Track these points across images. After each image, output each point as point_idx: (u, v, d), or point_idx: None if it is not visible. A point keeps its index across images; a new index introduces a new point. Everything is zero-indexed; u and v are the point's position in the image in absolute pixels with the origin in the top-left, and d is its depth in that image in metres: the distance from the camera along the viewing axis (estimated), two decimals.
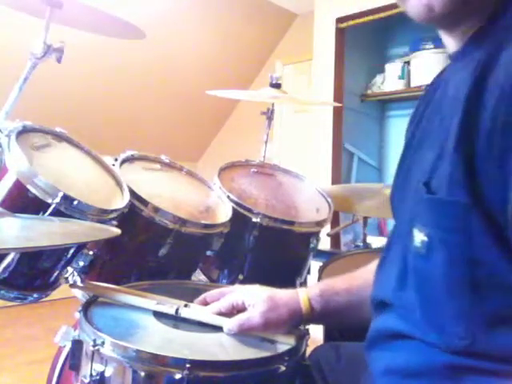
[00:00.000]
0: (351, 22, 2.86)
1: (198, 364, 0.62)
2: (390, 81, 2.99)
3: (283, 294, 0.78)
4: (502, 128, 0.40)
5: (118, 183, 1.03)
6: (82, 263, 1.01)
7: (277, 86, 1.47)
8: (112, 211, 0.92)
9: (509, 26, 0.44)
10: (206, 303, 0.82)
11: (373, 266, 0.80)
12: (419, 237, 0.51)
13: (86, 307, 0.77)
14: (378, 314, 0.63)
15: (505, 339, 0.46)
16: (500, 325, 0.46)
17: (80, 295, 0.97)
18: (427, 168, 0.51)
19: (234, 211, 1.16)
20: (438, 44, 2.68)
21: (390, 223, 3.06)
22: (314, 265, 1.34)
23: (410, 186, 0.59)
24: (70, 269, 0.99)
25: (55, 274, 0.92)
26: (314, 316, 0.77)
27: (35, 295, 0.89)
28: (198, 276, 1.21)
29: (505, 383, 0.43)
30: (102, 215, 0.89)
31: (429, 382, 0.52)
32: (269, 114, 1.59)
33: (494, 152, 0.41)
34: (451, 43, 0.57)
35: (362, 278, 0.79)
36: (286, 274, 1.26)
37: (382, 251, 0.68)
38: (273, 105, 1.60)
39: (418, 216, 0.52)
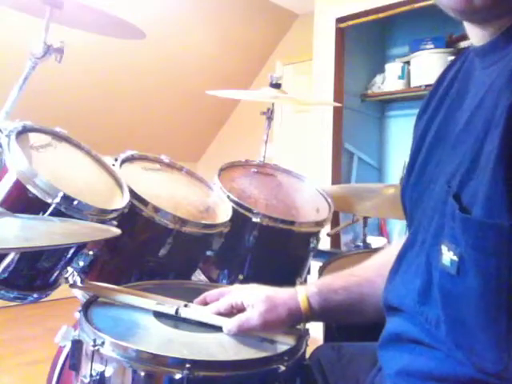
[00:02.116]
0: (351, 22, 2.86)
1: (197, 364, 0.62)
2: (390, 81, 2.99)
3: (282, 294, 0.78)
4: None
5: (118, 183, 1.03)
6: (81, 263, 1.01)
7: (277, 86, 1.47)
8: (112, 211, 0.92)
9: None
10: (205, 303, 0.82)
11: (369, 262, 0.80)
12: (448, 255, 0.48)
13: (86, 307, 0.77)
14: (394, 316, 0.62)
15: None
16: None
17: (80, 295, 0.97)
18: (454, 174, 0.49)
19: (234, 211, 1.16)
20: (438, 44, 2.68)
21: (390, 223, 3.06)
22: (314, 265, 1.34)
23: (429, 188, 0.56)
24: (70, 269, 0.99)
25: (55, 274, 0.92)
26: (313, 314, 0.77)
27: (35, 295, 0.89)
28: (198, 276, 1.20)
29: None
30: (101, 215, 0.89)
31: None
32: (269, 114, 1.58)
33: None
34: (479, 36, 0.54)
35: (359, 275, 0.79)
36: (286, 274, 1.26)
37: (400, 250, 0.65)
38: (273, 105, 1.59)
39: (447, 233, 0.49)
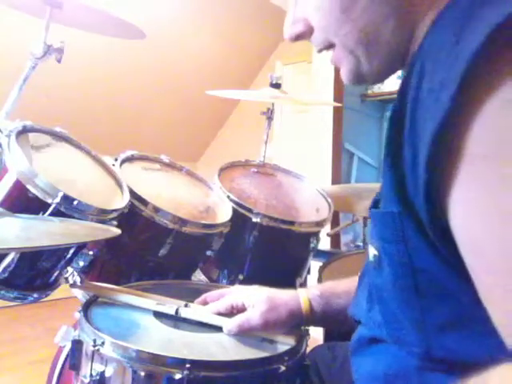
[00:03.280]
0: None
1: (197, 364, 0.62)
2: (390, 81, 2.98)
3: (283, 295, 0.78)
4: (409, 133, 0.43)
5: (118, 183, 1.03)
6: (82, 263, 1.01)
7: (277, 86, 1.47)
8: (112, 211, 0.92)
9: (417, 56, 0.46)
10: (206, 303, 0.82)
11: None
12: (372, 251, 0.53)
13: (86, 307, 0.77)
14: (357, 327, 0.64)
15: (456, 345, 0.47)
16: (448, 331, 0.47)
17: (80, 295, 0.97)
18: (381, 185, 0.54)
19: (234, 211, 1.16)
20: None
21: None
22: (314, 265, 1.34)
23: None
24: (70, 269, 0.99)
25: (55, 274, 0.92)
26: (314, 317, 0.77)
27: (35, 295, 0.89)
28: (198, 276, 1.20)
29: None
30: (101, 215, 0.89)
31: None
32: (269, 114, 1.58)
33: (409, 156, 0.43)
34: None
35: None
36: (286, 274, 1.26)
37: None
38: (273, 105, 1.59)
39: (371, 232, 0.54)
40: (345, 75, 0.55)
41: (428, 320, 0.48)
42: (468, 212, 0.39)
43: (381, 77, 0.55)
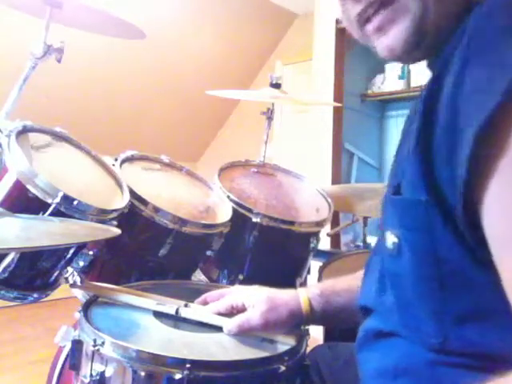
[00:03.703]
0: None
1: (197, 364, 0.62)
2: (390, 81, 2.99)
3: (283, 295, 0.78)
4: (449, 124, 0.42)
5: (118, 183, 1.03)
6: (82, 263, 1.01)
7: (277, 86, 1.47)
8: (112, 211, 0.92)
9: (453, 50, 0.46)
10: (206, 303, 0.82)
11: None
12: (391, 239, 0.52)
13: (86, 307, 0.77)
14: (365, 319, 0.64)
15: (475, 337, 0.47)
16: (469, 323, 0.47)
17: (80, 295, 0.97)
18: (399, 171, 0.53)
19: (234, 211, 1.16)
20: None
21: None
22: (314, 265, 1.34)
23: (388, 191, 0.60)
24: (70, 269, 0.99)
25: (55, 274, 0.92)
26: (314, 316, 0.77)
27: (35, 295, 0.89)
28: (198, 276, 1.20)
29: (482, 377, 0.43)
30: (101, 215, 0.89)
31: (417, 379, 0.53)
32: (269, 114, 1.58)
33: (444, 147, 0.43)
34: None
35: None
36: (286, 274, 1.26)
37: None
38: (273, 105, 1.59)
39: (389, 218, 0.54)
40: (397, 37, 0.52)
41: (447, 311, 0.48)
42: (503, 208, 0.39)
43: (437, 39, 0.51)
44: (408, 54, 0.53)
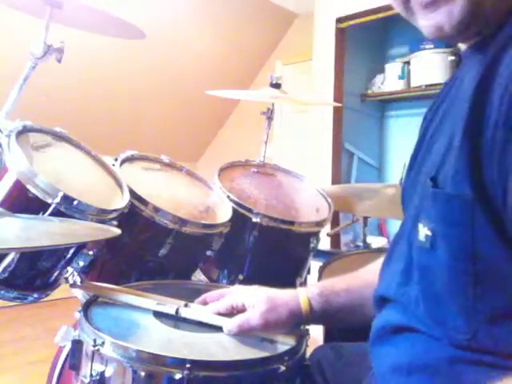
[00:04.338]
0: (351, 22, 2.86)
1: (197, 364, 0.62)
2: (390, 81, 2.99)
3: (283, 295, 0.78)
4: (503, 123, 0.41)
5: (118, 183, 1.03)
6: (82, 263, 1.01)
7: (277, 86, 1.47)
8: (112, 211, 0.92)
9: (510, 34, 0.45)
10: (206, 303, 0.82)
11: (373, 266, 0.80)
12: (423, 231, 0.52)
13: (86, 307, 0.77)
14: (380, 311, 0.63)
15: (505, 335, 0.46)
16: (501, 321, 0.47)
17: (80, 295, 0.97)
18: (437, 162, 0.52)
19: (234, 211, 1.16)
20: (438, 44, 2.68)
21: (390, 223, 3.06)
22: (314, 265, 1.34)
23: (419, 181, 0.59)
24: (70, 269, 0.99)
25: (55, 274, 0.92)
26: (314, 316, 0.77)
27: (35, 295, 0.89)
28: (198, 276, 1.20)
29: (506, 373, 0.43)
30: (102, 215, 0.89)
31: (433, 376, 0.52)
32: (269, 114, 1.58)
33: (496, 145, 0.42)
34: (462, 44, 0.58)
35: (362, 278, 0.79)
36: (286, 274, 1.26)
37: (387, 251, 0.68)
38: (273, 105, 1.59)
39: (423, 211, 0.53)
40: (450, 15, 0.48)
41: (480, 307, 0.47)
42: None
43: (493, 21, 0.48)
44: (457, 34, 0.51)
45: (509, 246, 0.44)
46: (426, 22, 0.51)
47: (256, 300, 0.75)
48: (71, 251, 0.92)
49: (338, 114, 2.94)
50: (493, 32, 0.48)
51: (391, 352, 0.58)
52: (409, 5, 0.53)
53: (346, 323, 0.83)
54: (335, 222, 2.54)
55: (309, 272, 1.34)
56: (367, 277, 0.78)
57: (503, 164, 0.42)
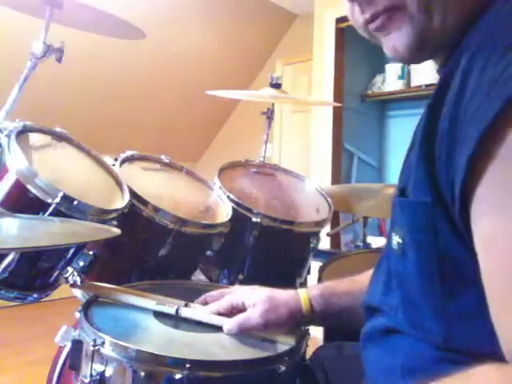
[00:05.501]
0: (351, 22, 2.85)
1: (198, 364, 0.62)
2: (390, 81, 2.99)
3: (283, 294, 0.78)
4: (448, 129, 0.44)
5: (118, 183, 1.03)
6: (81, 263, 1.01)
7: (277, 86, 1.47)
8: (112, 211, 0.92)
9: (464, 49, 0.47)
10: (206, 303, 0.82)
11: (372, 270, 0.80)
12: (396, 239, 0.54)
13: (86, 307, 0.77)
14: (369, 318, 0.64)
15: (477, 335, 0.47)
16: (471, 320, 0.48)
17: (80, 295, 0.97)
18: (409, 172, 0.54)
19: (234, 211, 1.16)
20: None
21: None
22: (314, 265, 1.34)
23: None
24: (70, 269, 0.99)
25: (55, 274, 0.92)
26: (314, 317, 0.77)
27: (35, 295, 0.89)
28: (198, 276, 1.21)
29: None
30: (101, 215, 0.89)
31: (423, 377, 0.52)
32: (269, 114, 1.59)
33: (443, 150, 0.45)
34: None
35: (363, 281, 0.79)
36: (286, 274, 1.26)
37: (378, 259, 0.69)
38: (273, 105, 1.60)
39: (395, 220, 0.55)
40: (403, 42, 0.52)
41: (449, 308, 0.49)
42: (487, 212, 0.41)
43: (444, 40, 0.51)
44: (413, 57, 0.54)
45: (467, 247, 0.45)
46: (385, 45, 0.56)
47: (256, 299, 0.75)
48: (71, 251, 0.92)
49: (337, 114, 2.94)
50: (456, 41, 0.50)
51: (381, 354, 0.59)
52: (368, 29, 0.57)
53: (346, 325, 0.84)
54: (335, 221, 2.54)
55: (309, 272, 1.34)
56: (367, 280, 0.78)
57: (449, 168, 0.44)
